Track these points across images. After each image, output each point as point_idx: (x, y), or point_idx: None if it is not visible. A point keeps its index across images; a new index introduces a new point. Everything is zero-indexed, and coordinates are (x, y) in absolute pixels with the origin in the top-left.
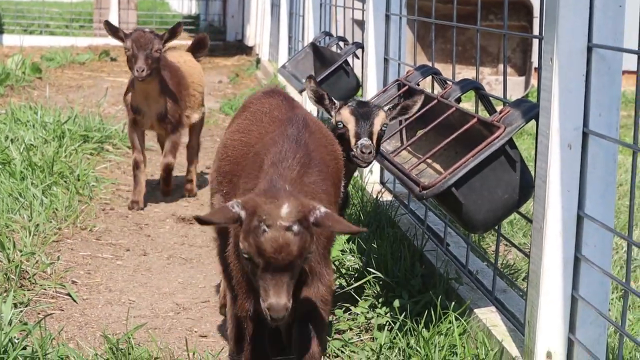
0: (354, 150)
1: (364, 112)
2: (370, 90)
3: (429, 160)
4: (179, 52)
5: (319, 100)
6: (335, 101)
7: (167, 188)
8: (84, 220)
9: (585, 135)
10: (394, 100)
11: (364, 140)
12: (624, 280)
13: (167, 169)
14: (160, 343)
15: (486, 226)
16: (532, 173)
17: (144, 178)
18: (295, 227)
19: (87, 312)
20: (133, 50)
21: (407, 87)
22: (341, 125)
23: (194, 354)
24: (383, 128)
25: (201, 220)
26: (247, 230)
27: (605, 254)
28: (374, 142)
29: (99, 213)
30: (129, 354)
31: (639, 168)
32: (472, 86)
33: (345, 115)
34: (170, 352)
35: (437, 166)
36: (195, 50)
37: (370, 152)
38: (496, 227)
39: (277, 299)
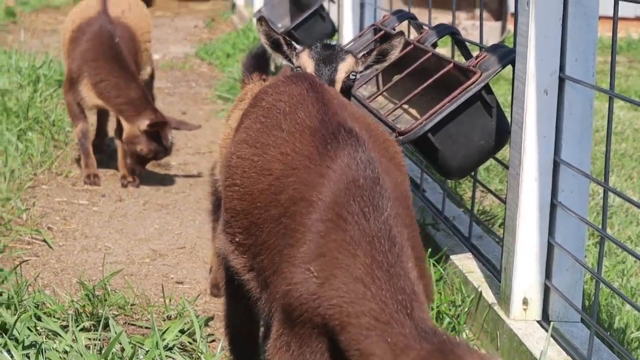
0: None
1: (326, 55)
2: (346, 35)
3: (405, 106)
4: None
5: (275, 46)
6: (297, 46)
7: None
8: (59, 166)
9: (561, 81)
10: (370, 46)
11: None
12: (600, 227)
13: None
14: (137, 289)
15: (462, 172)
16: (509, 119)
17: (91, 148)
18: None
19: (63, 259)
20: None
21: (383, 32)
22: (299, 71)
23: (170, 300)
24: (351, 76)
25: None
26: None
27: (581, 200)
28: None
29: (74, 159)
30: (105, 300)
31: (615, 114)
32: (448, 31)
33: (304, 59)
34: (146, 298)
35: (414, 112)
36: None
37: None
38: (472, 173)
39: None
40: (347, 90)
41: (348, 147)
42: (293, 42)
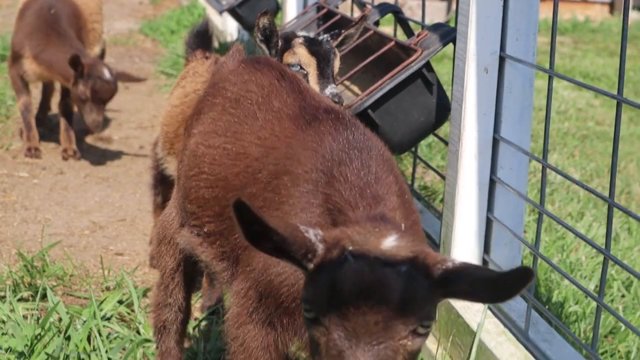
0: None
1: (324, 52)
2: (290, 13)
3: (346, 83)
4: None
5: (266, 39)
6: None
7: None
8: (0, 139)
9: (502, 60)
10: (312, 24)
11: (333, 89)
12: (539, 203)
13: (67, 110)
14: (76, 261)
15: (402, 148)
16: (449, 95)
17: (34, 121)
18: (404, 268)
19: (2, 230)
20: None
21: (326, 9)
22: (298, 68)
23: (109, 271)
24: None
25: (246, 214)
26: (313, 280)
27: (520, 177)
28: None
29: (15, 132)
30: (44, 271)
31: (559, 94)
32: (391, 10)
33: (305, 56)
34: (85, 270)
35: (355, 88)
36: None
37: (342, 102)
38: (413, 149)
39: None
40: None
41: (330, 121)
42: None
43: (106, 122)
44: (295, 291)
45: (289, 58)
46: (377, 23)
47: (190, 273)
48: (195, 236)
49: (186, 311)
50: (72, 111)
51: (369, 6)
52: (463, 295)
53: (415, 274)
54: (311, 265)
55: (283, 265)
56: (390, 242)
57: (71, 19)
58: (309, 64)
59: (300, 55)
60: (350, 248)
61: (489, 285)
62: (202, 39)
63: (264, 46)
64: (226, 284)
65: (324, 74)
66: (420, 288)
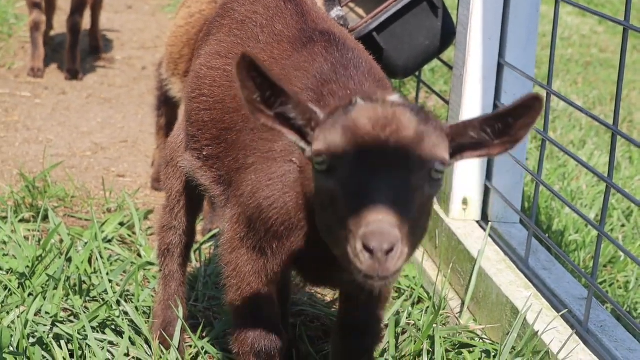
0: None
1: None
2: None
3: (351, 5)
4: None
5: None
6: None
7: (74, 64)
8: (2, 58)
9: None
10: None
11: (339, 11)
12: (542, 130)
13: (75, 29)
14: (77, 182)
15: (407, 71)
16: (454, 19)
17: (42, 41)
18: (414, 107)
19: (4, 150)
20: None
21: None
22: None
23: (110, 193)
24: None
25: (251, 67)
26: (326, 126)
27: None
28: None
29: (18, 51)
30: (45, 192)
31: (562, 20)
32: None
33: None
34: (86, 191)
35: (360, 11)
36: None
37: (347, 25)
38: (417, 74)
39: (375, 215)
40: None
41: (323, 42)
42: None
43: (108, 42)
44: (284, 214)
45: None
46: None
47: (195, 196)
48: (195, 159)
49: (190, 235)
50: (80, 29)
51: None
52: (473, 147)
53: (426, 114)
54: (313, 133)
55: (271, 189)
56: (395, 97)
57: None
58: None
59: None
60: (359, 98)
61: (497, 120)
62: None
63: None
64: (223, 208)
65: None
66: (432, 126)
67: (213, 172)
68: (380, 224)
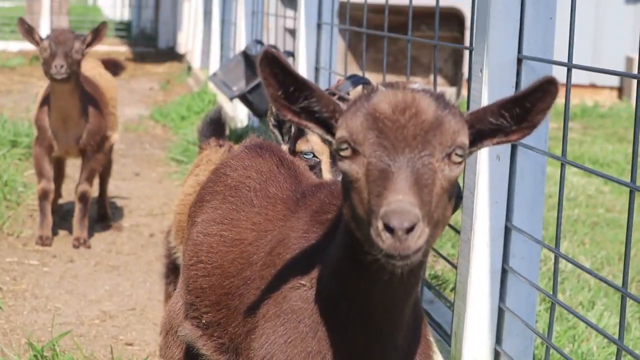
0: None
1: None
2: None
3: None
4: (91, 63)
5: (279, 124)
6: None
7: (82, 232)
8: (11, 226)
9: (514, 147)
10: None
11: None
12: (551, 293)
13: (84, 198)
14: (86, 351)
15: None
16: (461, 184)
17: (50, 209)
18: (430, 92)
19: (12, 319)
20: (51, 48)
21: (337, 96)
22: (311, 156)
23: None
24: None
25: (277, 66)
26: (349, 114)
27: (532, 266)
28: None
29: (26, 219)
30: None
31: (568, 180)
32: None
33: (318, 144)
34: None
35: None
36: (111, 71)
37: None
38: None
39: (396, 195)
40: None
41: (318, 193)
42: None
43: (116, 210)
44: None
45: (302, 145)
46: (347, 94)
47: None
48: (195, 328)
49: None
50: (90, 198)
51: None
52: (492, 133)
53: (445, 101)
54: (337, 125)
55: (286, 356)
56: (416, 85)
57: (98, 104)
58: (322, 151)
59: (313, 142)
60: (380, 85)
61: (514, 104)
62: (216, 126)
63: (276, 131)
64: None
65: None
66: (452, 112)
67: (214, 340)
68: (400, 203)
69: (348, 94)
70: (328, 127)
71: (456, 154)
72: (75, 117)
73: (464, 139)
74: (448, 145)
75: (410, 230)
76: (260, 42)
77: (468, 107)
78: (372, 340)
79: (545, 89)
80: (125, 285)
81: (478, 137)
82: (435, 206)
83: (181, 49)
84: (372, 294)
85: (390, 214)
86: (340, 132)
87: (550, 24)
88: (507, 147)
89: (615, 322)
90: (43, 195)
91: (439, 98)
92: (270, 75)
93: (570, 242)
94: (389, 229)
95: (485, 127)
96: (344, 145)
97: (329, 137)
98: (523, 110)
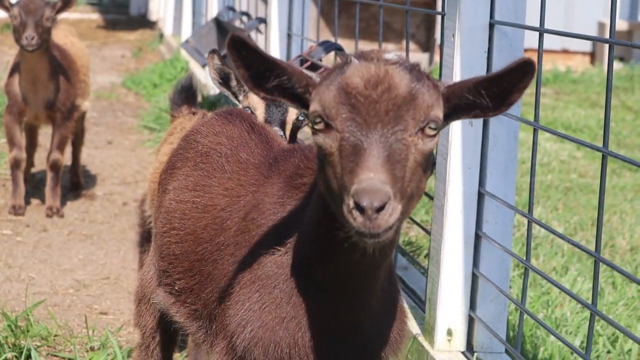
0: None
1: None
2: None
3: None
4: (63, 31)
5: (224, 81)
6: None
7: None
8: None
9: None
10: None
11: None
12: (524, 258)
13: (56, 167)
14: (60, 320)
15: None
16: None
17: (22, 178)
18: (409, 65)
19: None
20: (21, 17)
21: (309, 62)
22: (249, 112)
23: (93, 331)
24: (300, 118)
25: (244, 50)
26: (322, 87)
27: (506, 232)
28: (286, 133)
29: None
30: (28, 331)
31: (541, 146)
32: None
33: (254, 100)
34: (69, 329)
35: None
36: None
37: None
38: None
39: (367, 172)
40: (294, 131)
41: (292, 157)
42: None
43: (89, 178)
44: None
45: (244, 101)
46: (320, 60)
47: (171, 332)
48: (168, 295)
49: None
50: (61, 167)
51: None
52: (468, 108)
53: (420, 73)
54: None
55: (261, 322)
56: (391, 55)
57: (68, 71)
58: (257, 107)
59: (251, 99)
60: (353, 57)
61: (492, 84)
62: (187, 94)
63: (225, 89)
64: (204, 345)
65: (271, 117)
66: (426, 85)
67: (187, 306)
68: (371, 181)
69: (320, 60)
70: (303, 101)
71: (430, 127)
72: (45, 80)
73: (438, 112)
74: (421, 119)
75: (380, 209)
76: (232, 9)
77: (440, 73)
78: (347, 304)
79: (523, 70)
80: (99, 254)
81: (454, 111)
82: (409, 180)
83: (153, 16)
84: (347, 258)
85: (361, 192)
86: (314, 106)
87: None
88: None
89: (588, 287)
90: (15, 164)
91: (413, 70)
92: (239, 58)
93: (544, 208)
94: (359, 207)
95: (462, 102)
96: (318, 119)
97: (305, 111)
98: (500, 89)
